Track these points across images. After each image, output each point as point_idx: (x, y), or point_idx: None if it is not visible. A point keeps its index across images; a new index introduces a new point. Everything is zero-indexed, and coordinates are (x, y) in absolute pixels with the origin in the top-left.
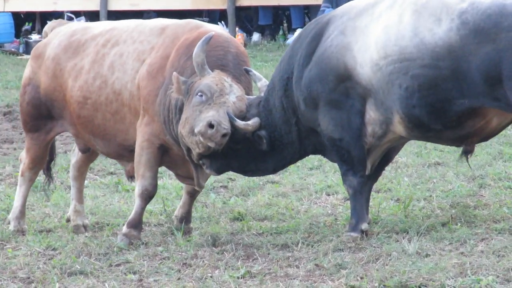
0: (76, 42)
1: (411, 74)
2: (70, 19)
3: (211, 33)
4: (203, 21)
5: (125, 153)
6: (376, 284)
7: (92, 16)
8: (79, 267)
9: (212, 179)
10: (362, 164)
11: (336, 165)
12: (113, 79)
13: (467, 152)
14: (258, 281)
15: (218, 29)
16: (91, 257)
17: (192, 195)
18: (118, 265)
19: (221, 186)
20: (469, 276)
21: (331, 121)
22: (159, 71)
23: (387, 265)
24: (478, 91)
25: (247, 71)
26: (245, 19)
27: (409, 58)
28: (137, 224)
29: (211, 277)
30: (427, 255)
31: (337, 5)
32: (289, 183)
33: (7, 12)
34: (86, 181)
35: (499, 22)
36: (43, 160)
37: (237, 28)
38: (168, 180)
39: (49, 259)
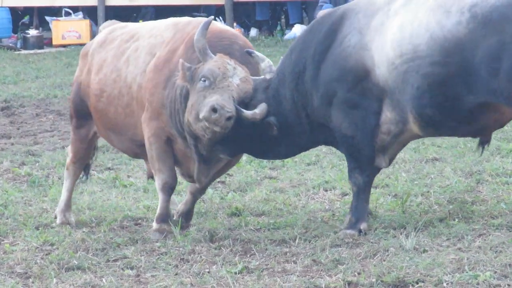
0: (110, 38)
1: (421, 73)
2: (68, 14)
3: (211, 18)
4: (200, 16)
5: (137, 150)
6: (374, 280)
7: (90, 11)
8: (76, 262)
9: None
10: (370, 164)
11: (333, 160)
12: (126, 72)
13: (484, 143)
14: (256, 277)
15: (227, 26)
16: (89, 252)
17: (195, 196)
18: (116, 260)
19: (218, 182)
20: (467, 272)
21: (345, 118)
22: (166, 64)
23: (384, 260)
24: (485, 86)
25: (249, 53)
26: (243, 15)
27: (420, 56)
28: (165, 217)
29: (208, 272)
30: (424, 251)
31: (336, 1)
32: (286, 178)
33: (4, 7)
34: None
35: (506, 13)
36: (87, 155)
37: (234, 24)
38: None
39: (46, 254)
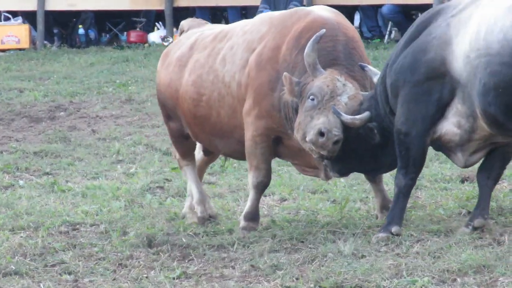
0: (200, 40)
1: (489, 70)
2: (7, 19)
3: (322, 31)
4: (141, 22)
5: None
6: (312, 285)
7: (29, 16)
8: (14, 268)
9: (149, 180)
10: (416, 167)
11: (272, 165)
12: (223, 72)
13: None
14: (194, 282)
15: (324, 13)
16: (26, 257)
17: (374, 180)
18: (54, 265)
19: (157, 187)
20: (405, 277)
21: (404, 113)
22: (269, 62)
23: (322, 266)
24: None
25: (362, 67)
26: (183, 20)
27: (491, 53)
28: (254, 216)
29: (146, 277)
30: (362, 256)
31: (275, 6)
32: (225, 184)
33: None
34: (22, 181)
35: None
36: (191, 150)
37: (174, 29)
38: (104, 181)
39: None
